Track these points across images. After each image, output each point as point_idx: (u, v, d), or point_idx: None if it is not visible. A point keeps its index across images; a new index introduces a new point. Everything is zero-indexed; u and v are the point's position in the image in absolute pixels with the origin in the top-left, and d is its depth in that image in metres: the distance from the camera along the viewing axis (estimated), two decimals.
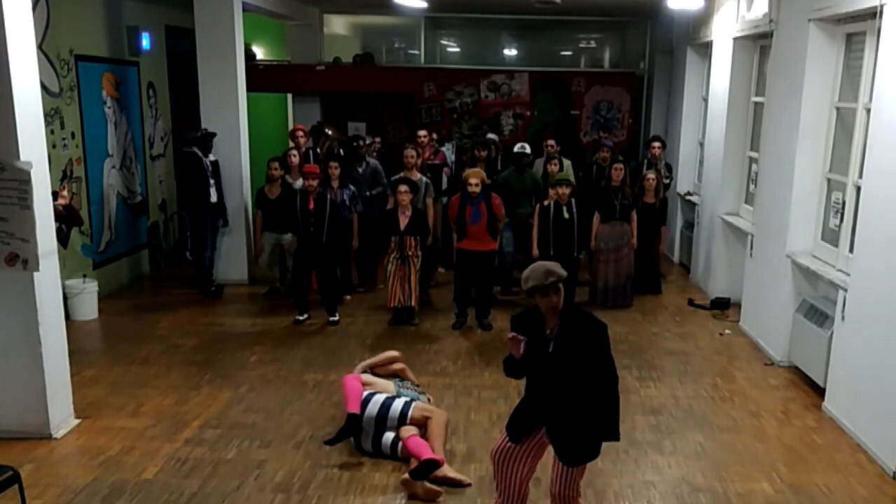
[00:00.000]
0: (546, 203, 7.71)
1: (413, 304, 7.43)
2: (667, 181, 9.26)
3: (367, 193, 8.33)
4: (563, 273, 3.55)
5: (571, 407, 3.58)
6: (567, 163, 9.02)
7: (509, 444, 3.76)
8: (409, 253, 7.35)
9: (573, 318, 3.59)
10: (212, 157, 8.42)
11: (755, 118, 8.09)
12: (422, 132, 9.18)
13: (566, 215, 7.47)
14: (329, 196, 7.49)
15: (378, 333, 7.31)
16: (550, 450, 3.72)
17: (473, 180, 7.25)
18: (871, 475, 4.77)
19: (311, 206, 7.31)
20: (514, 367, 3.74)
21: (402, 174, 7.94)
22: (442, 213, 8.33)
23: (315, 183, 7.33)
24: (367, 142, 9.05)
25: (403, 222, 7.33)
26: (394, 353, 5.67)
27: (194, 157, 8.42)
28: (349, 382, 5.06)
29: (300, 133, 8.99)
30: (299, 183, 8.10)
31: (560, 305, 3.54)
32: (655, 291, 8.80)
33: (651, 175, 8.60)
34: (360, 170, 8.40)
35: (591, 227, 8.07)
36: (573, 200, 7.52)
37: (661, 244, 8.73)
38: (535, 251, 7.61)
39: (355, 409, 4.86)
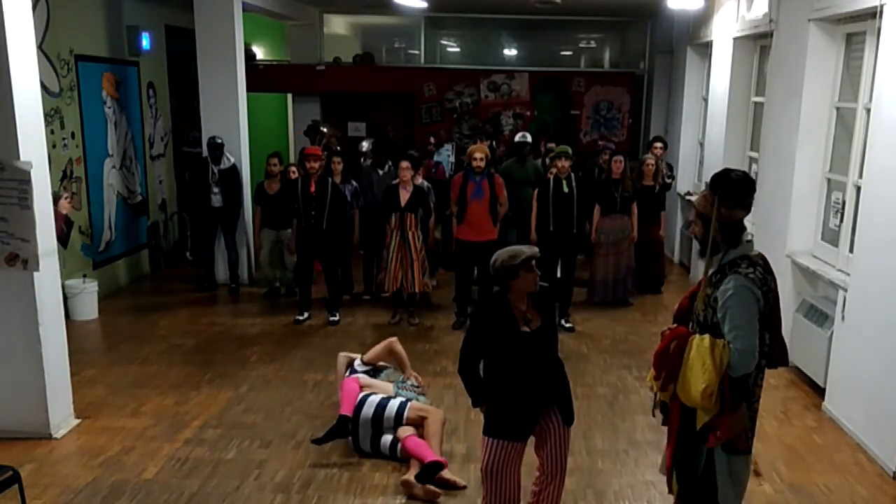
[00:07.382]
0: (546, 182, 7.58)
1: (416, 289, 7.38)
2: (669, 181, 9.25)
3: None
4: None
5: (558, 373, 3.73)
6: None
7: (506, 446, 3.60)
8: (410, 231, 7.28)
9: (540, 303, 3.70)
10: (226, 164, 8.39)
11: (755, 118, 8.09)
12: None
13: (566, 189, 7.32)
14: (330, 180, 7.42)
15: (378, 333, 7.29)
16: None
17: (478, 154, 7.23)
18: (871, 475, 4.77)
19: (312, 188, 7.25)
20: (480, 386, 3.70)
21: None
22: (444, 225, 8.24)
23: (317, 165, 7.25)
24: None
25: (404, 198, 7.26)
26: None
27: (199, 160, 8.39)
28: (347, 384, 5.04)
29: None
30: None
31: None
32: (656, 291, 8.79)
33: (651, 160, 8.55)
34: (382, 172, 8.26)
35: (591, 208, 7.90)
36: (572, 174, 7.40)
37: (660, 230, 8.59)
38: (534, 235, 7.51)
39: (347, 412, 4.82)
